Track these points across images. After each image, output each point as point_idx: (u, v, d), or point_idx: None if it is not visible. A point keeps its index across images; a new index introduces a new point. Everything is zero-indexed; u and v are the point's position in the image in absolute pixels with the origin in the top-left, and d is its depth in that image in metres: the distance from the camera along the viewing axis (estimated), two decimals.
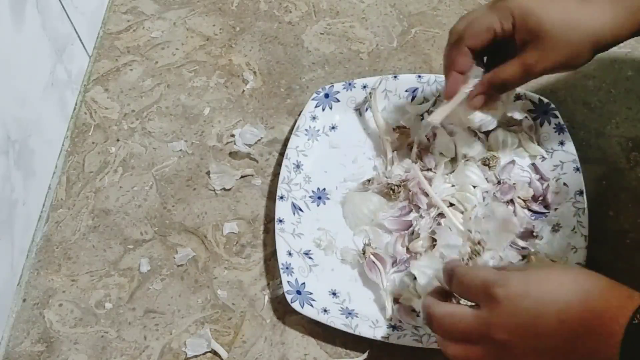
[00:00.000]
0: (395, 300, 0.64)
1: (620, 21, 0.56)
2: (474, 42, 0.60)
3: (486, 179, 0.70)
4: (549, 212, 0.68)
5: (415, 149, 0.72)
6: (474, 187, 0.69)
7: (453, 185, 0.69)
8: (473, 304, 0.49)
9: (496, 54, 0.61)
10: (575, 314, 0.44)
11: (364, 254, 0.66)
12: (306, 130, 0.74)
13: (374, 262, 0.65)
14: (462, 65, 0.61)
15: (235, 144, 0.76)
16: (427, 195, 0.68)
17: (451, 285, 0.51)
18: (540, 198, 0.68)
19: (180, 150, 0.78)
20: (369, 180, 0.71)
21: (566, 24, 0.56)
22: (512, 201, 0.68)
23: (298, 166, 0.73)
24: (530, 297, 0.45)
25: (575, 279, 0.46)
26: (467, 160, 0.70)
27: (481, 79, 0.62)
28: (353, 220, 0.69)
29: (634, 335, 0.41)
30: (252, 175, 0.75)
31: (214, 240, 0.71)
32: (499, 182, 0.70)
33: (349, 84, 0.76)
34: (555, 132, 0.72)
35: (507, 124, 0.72)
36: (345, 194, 0.71)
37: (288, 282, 0.65)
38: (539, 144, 0.72)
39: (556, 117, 0.72)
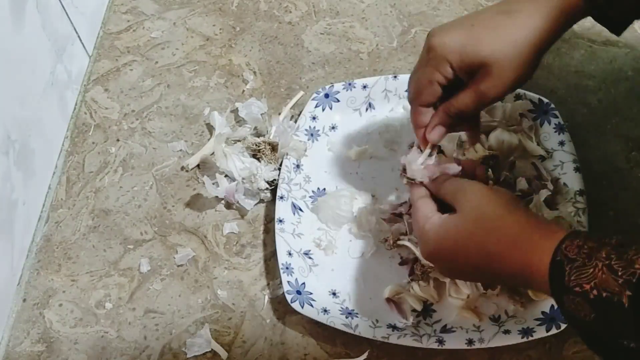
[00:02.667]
0: (391, 300, 0.64)
1: (550, 19, 0.56)
2: (426, 100, 0.60)
3: (487, 177, 0.69)
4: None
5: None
6: None
7: None
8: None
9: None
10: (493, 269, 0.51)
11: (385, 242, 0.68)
12: (306, 130, 0.74)
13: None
14: (424, 122, 0.61)
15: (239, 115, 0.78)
16: None
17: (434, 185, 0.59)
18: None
19: (180, 150, 0.78)
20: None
21: (503, 45, 0.56)
22: None
23: (298, 166, 0.73)
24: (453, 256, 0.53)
25: (503, 218, 0.52)
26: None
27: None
28: (336, 221, 0.70)
29: (557, 270, 0.45)
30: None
31: (214, 240, 0.71)
32: (498, 181, 0.70)
33: (349, 84, 0.76)
34: (555, 132, 0.72)
35: (507, 124, 0.72)
36: (314, 204, 0.71)
37: (288, 282, 0.65)
38: (539, 144, 0.72)
39: (556, 117, 0.72)
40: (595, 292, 0.42)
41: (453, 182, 0.57)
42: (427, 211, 0.56)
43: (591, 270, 0.43)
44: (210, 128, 0.78)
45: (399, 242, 0.67)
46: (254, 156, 0.73)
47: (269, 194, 0.72)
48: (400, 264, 0.67)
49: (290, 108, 0.78)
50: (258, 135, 0.76)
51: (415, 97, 0.60)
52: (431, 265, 0.64)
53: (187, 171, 0.75)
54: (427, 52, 0.58)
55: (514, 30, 0.56)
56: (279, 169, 0.72)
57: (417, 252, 0.65)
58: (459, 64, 0.57)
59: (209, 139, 0.77)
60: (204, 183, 0.71)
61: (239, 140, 0.75)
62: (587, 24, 0.85)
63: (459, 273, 0.57)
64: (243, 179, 0.71)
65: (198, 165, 0.75)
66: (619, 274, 0.41)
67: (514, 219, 0.51)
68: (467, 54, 0.56)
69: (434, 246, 0.54)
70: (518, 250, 0.49)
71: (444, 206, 0.57)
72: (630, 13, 0.58)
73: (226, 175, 0.72)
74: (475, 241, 0.51)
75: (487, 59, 0.56)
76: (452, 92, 0.59)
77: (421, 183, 0.60)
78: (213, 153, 0.73)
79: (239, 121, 0.79)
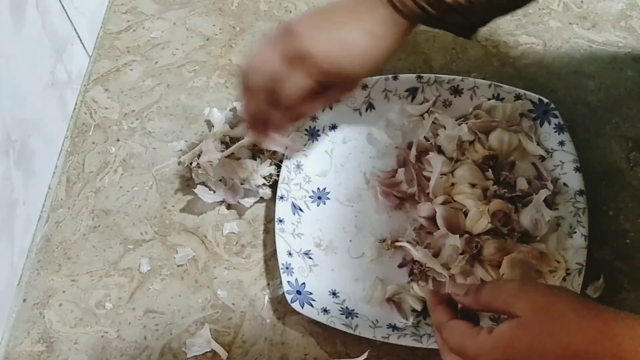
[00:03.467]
0: (390, 300, 0.65)
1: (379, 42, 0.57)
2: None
3: (486, 177, 0.70)
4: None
5: (414, 150, 0.72)
6: (473, 185, 0.69)
7: (452, 185, 0.69)
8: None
9: None
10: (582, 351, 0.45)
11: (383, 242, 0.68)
12: (306, 130, 0.74)
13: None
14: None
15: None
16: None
17: (478, 300, 0.51)
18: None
19: (180, 150, 0.78)
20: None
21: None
22: (512, 200, 0.68)
23: (298, 166, 0.73)
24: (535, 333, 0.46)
25: (579, 314, 0.46)
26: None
27: None
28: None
29: None
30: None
31: (214, 240, 0.71)
32: (498, 181, 0.70)
33: None
34: (555, 132, 0.72)
35: (507, 124, 0.72)
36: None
37: (288, 282, 0.65)
38: (539, 144, 0.72)
39: (556, 117, 0.72)
40: None
41: (499, 287, 0.51)
42: (466, 328, 0.49)
43: None
44: (211, 127, 0.78)
45: (397, 244, 0.67)
46: (252, 155, 0.74)
47: (268, 191, 0.72)
48: (400, 265, 0.67)
49: None
50: None
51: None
52: (429, 265, 0.65)
53: (183, 167, 0.74)
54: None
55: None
56: (277, 165, 0.72)
57: (415, 253, 0.65)
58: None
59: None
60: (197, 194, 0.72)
61: (238, 139, 0.75)
62: (588, 24, 0.86)
63: None
64: (242, 180, 0.71)
65: (191, 172, 0.74)
66: None
67: (593, 317, 0.46)
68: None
69: (505, 355, 0.47)
70: (604, 344, 0.44)
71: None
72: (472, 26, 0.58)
73: (221, 179, 0.72)
74: (555, 340, 0.46)
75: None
76: None
77: (447, 303, 0.53)
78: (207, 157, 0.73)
79: (240, 121, 0.79)
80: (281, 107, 0.59)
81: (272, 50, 0.57)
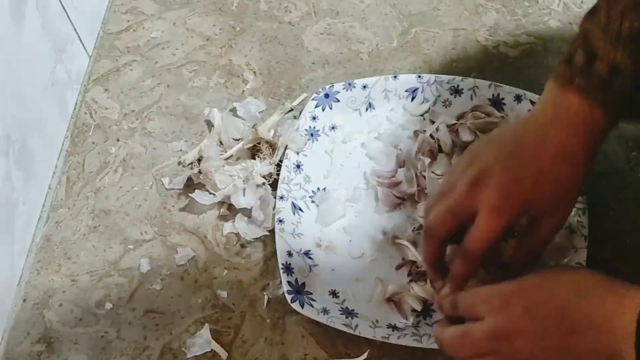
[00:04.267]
0: (390, 300, 0.65)
1: (577, 159, 0.53)
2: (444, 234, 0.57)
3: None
4: None
5: (416, 148, 0.72)
6: None
7: None
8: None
9: None
10: (574, 313, 0.46)
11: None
12: (306, 130, 0.74)
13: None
14: (438, 257, 0.59)
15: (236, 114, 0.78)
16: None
17: (457, 309, 0.54)
18: None
19: (180, 150, 0.78)
20: None
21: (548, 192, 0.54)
22: None
23: (298, 166, 0.73)
24: (527, 299, 0.48)
25: (573, 279, 0.48)
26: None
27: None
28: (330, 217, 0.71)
29: None
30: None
31: (214, 240, 0.71)
32: None
33: (349, 84, 0.76)
34: None
35: None
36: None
37: (288, 282, 0.65)
38: None
39: None
40: None
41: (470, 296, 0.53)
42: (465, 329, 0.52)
43: None
44: (211, 127, 0.78)
45: (397, 241, 0.67)
46: (252, 155, 0.74)
47: (269, 189, 0.72)
48: (397, 267, 0.67)
49: (291, 109, 0.78)
50: (257, 134, 0.76)
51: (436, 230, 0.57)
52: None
53: (183, 166, 0.74)
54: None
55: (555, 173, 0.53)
56: (277, 165, 0.72)
57: (414, 252, 0.65)
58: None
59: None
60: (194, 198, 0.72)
61: (238, 140, 0.75)
62: None
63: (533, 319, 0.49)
64: (243, 180, 0.71)
65: (190, 181, 0.75)
66: None
67: (598, 272, 0.48)
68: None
69: (503, 297, 0.49)
70: (611, 293, 0.46)
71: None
72: None
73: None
74: (567, 280, 0.48)
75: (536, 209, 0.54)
76: None
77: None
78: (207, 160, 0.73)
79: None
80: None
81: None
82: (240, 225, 0.70)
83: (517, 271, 0.53)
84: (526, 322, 0.48)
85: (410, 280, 0.66)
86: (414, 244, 0.67)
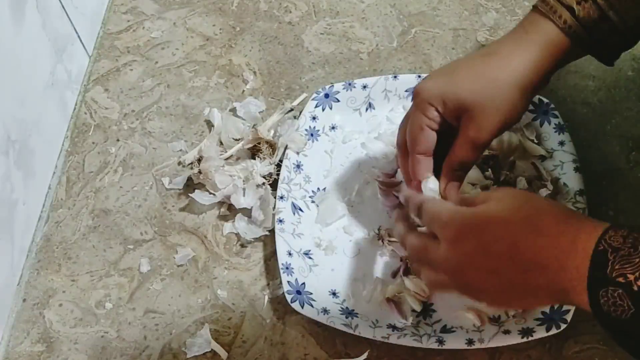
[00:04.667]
0: (390, 300, 0.65)
1: (533, 58, 0.56)
2: (423, 147, 0.59)
3: (485, 177, 0.70)
4: None
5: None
6: (473, 185, 0.69)
7: None
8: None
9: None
10: (527, 251, 0.46)
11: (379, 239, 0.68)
12: (306, 130, 0.74)
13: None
14: (423, 172, 0.60)
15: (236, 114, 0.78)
16: None
17: (419, 216, 0.54)
18: None
19: (180, 150, 0.78)
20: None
21: (480, 85, 0.56)
22: None
23: (298, 166, 0.73)
24: (480, 235, 0.48)
25: (528, 214, 0.47)
26: None
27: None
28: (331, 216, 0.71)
29: (600, 260, 0.42)
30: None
31: (214, 240, 0.71)
32: (497, 181, 0.70)
33: (349, 84, 0.76)
34: (555, 132, 0.72)
35: None
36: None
37: (288, 282, 0.65)
38: (539, 144, 0.72)
39: (556, 117, 0.72)
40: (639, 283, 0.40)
41: (433, 210, 0.53)
42: (442, 204, 0.53)
43: (637, 260, 0.41)
44: (211, 127, 0.78)
45: (391, 239, 0.67)
46: (252, 155, 0.74)
47: (269, 189, 0.72)
48: (393, 275, 0.67)
49: (291, 109, 0.78)
50: (257, 134, 0.76)
51: (412, 145, 0.60)
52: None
53: (183, 166, 0.74)
54: (413, 99, 0.59)
55: (492, 71, 0.56)
56: (277, 165, 0.72)
57: (402, 250, 0.66)
58: (443, 108, 0.58)
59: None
60: (194, 198, 0.72)
61: (238, 140, 0.75)
62: None
63: (479, 269, 0.49)
64: (243, 180, 0.71)
65: (190, 181, 0.75)
66: None
67: (558, 205, 0.49)
68: (448, 98, 0.57)
69: (458, 229, 0.49)
70: (566, 230, 0.45)
71: None
72: (620, 47, 0.58)
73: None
74: (522, 216, 0.47)
75: (467, 101, 0.56)
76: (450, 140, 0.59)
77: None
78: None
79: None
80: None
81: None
82: (240, 225, 0.70)
83: (450, 174, 0.58)
84: (479, 258, 0.48)
85: (404, 274, 0.65)
86: None
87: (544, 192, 0.67)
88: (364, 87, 0.76)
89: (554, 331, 0.60)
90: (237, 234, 0.71)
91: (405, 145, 0.61)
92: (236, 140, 0.75)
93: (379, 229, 0.68)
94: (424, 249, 0.52)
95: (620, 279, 0.41)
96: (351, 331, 0.62)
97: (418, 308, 0.64)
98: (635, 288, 0.40)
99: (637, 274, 0.40)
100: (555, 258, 0.45)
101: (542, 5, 0.57)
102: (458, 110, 0.57)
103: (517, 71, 0.56)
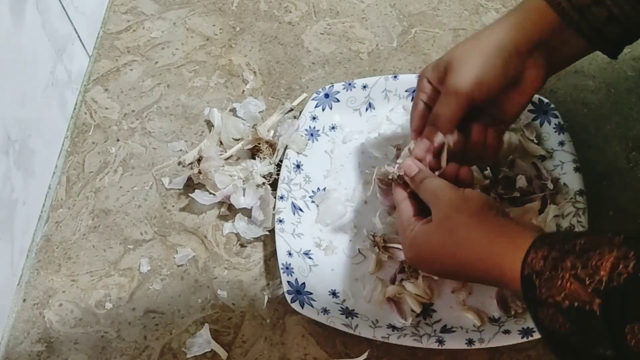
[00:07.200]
0: (390, 300, 0.64)
1: (514, 20, 0.59)
2: (414, 125, 0.64)
3: (484, 176, 0.70)
4: None
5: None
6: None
7: None
8: None
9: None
10: (465, 253, 0.52)
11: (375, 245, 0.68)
12: (306, 130, 0.74)
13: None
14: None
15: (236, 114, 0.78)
16: None
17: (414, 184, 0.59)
18: None
19: (180, 150, 0.78)
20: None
21: (464, 45, 0.60)
22: (513, 200, 0.68)
23: (298, 166, 0.73)
24: (423, 255, 0.56)
25: (470, 228, 0.52)
26: None
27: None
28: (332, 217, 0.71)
29: (528, 284, 0.45)
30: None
31: (214, 240, 0.71)
32: (497, 180, 0.70)
33: (349, 84, 0.76)
34: (555, 132, 0.72)
35: None
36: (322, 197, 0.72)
37: (288, 282, 0.65)
38: (539, 144, 0.72)
39: (556, 117, 0.72)
40: (567, 302, 0.42)
41: (429, 184, 0.57)
42: (407, 216, 0.58)
43: (559, 282, 0.42)
44: (211, 127, 0.78)
45: (387, 245, 0.67)
46: (252, 155, 0.74)
47: (269, 189, 0.72)
48: (391, 281, 0.66)
49: (291, 109, 0.78)
50: (257, 134, 0.76)
51: (410, 123, 0.65)
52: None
53: (183, 166, 0.75)
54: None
55: (476, 35, 0.61)
56: (277, 165, 0.72)
57: (400, 254, 0.65)
58: (435, 76, 0.61)
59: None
60: (195, 197, 0.72)
61: (238, 140, 0.75)
62: None
63: (443, 275, 0.60)
64: (243, 180, 0.71)
65: (190, 180, 0.75)
66: (586, 282, 0.41)
67: (482, 233, 0.51)
68: (439, 65, 0.61)
69: (414, 253, 0.57)
70: (489, 262, 0.50)
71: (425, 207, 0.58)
72: (622, 38, 0.58)
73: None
74: (448, 251, 0.53)
75: (450, 59, 0.60)
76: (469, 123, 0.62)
77: (404, 182, 0.60)
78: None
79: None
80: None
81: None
82: (240, 225, 0.70)
83: (423, 128, 0.63)
84: (424, 264, 0.57)
85: (402, 280, 0.65)
86: None
87: (536, 205, 0.68)
88: (364, 87, 0.76)
89: None
90: (237, 234, 0.71)
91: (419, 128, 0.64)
92: (236, 140, 0.75)
93: (373, 236, 0.67)
94: (403, 228, 0.58)
95: (550, 300, 0.43)
96: (351, 331, 0.62)
97: (418, 310, 0.64)
98: (564, 307, 0.42)
99: (562, 294, 0.42)
100: (491, 257, 0.50)
101: None
102: (445, 71, 0.60)
103: (497, 30, 0.59)
